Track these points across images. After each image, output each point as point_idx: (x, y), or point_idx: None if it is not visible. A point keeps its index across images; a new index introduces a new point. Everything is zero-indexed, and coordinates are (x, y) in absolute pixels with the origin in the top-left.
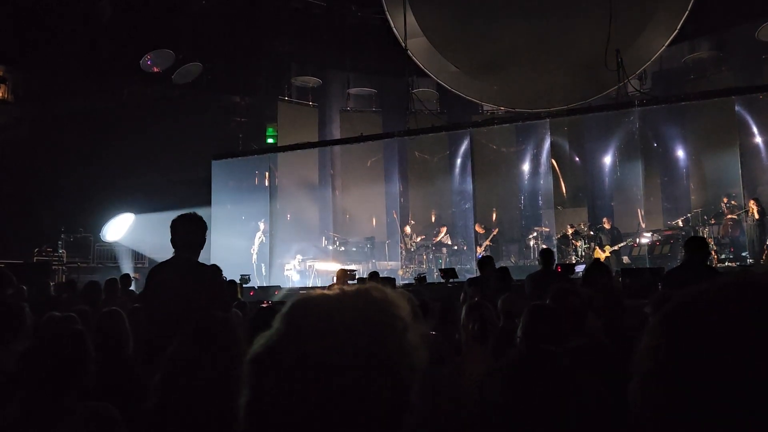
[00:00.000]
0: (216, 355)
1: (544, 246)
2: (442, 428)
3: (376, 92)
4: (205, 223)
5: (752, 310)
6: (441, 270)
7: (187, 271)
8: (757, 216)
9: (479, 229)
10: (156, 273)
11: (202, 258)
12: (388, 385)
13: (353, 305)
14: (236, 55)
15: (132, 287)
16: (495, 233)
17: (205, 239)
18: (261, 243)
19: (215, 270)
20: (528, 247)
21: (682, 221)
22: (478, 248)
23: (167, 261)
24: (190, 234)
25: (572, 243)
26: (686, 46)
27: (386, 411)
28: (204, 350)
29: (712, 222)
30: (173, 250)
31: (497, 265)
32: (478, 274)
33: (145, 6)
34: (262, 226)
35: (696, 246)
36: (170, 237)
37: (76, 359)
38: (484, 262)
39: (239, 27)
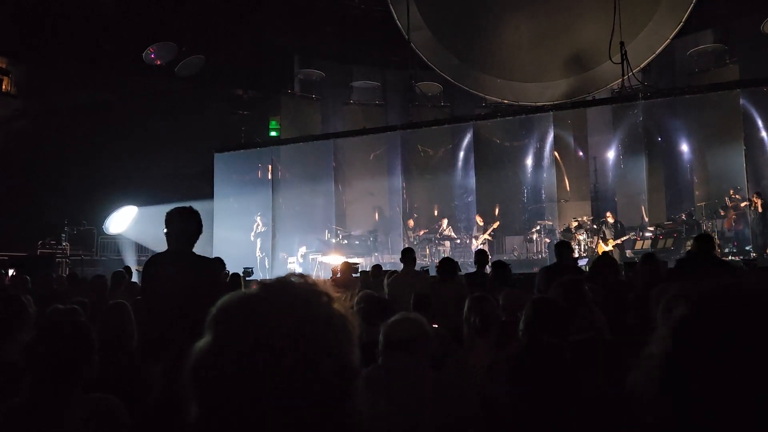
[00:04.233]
0: None
1: (547, 240)
2: (444, 423)
3: (379, 85)
4: (199, 215)
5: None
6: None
7: (183, 263)
8: (760, 209)
9: (479, 220)
10: (151, 266)
11: (206, 251)
12: (327, 360)
13: (275, 296)
14: (239, 47)
15: (134, 279)
16: (495, 227)
17: (200, 231)
18: (262, 237)
19: (215, 262)
20: (531, 240)
21: (685, 215)
22: (474, 240)
23: (162, 253)
24: (185, 226)
25: (575, 237)
26: (691, 39)
27: (332, 382)
28: None
29: (715, 216)
30: (167, 242)
31: (500, 259)
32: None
33: None
34: (258, 220)
35: (704, 241)
36: (165, 230)
37: (80, 351)
38: (480, 256)
39: (242, 20)
